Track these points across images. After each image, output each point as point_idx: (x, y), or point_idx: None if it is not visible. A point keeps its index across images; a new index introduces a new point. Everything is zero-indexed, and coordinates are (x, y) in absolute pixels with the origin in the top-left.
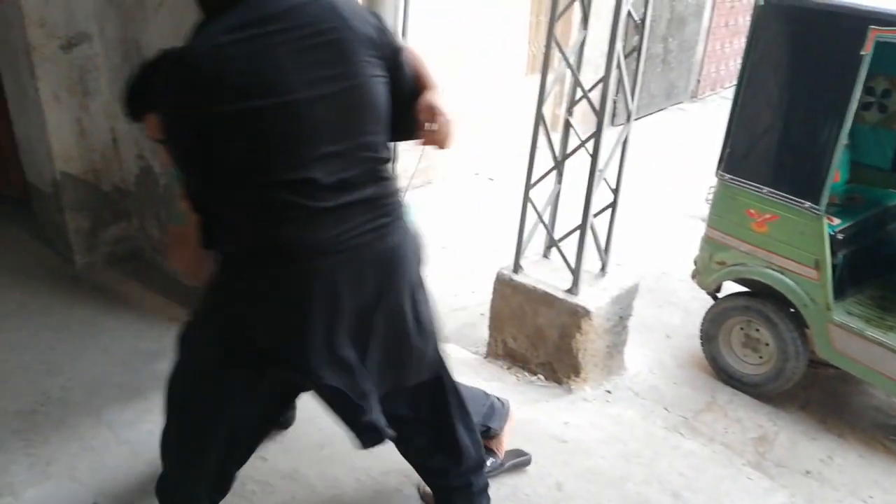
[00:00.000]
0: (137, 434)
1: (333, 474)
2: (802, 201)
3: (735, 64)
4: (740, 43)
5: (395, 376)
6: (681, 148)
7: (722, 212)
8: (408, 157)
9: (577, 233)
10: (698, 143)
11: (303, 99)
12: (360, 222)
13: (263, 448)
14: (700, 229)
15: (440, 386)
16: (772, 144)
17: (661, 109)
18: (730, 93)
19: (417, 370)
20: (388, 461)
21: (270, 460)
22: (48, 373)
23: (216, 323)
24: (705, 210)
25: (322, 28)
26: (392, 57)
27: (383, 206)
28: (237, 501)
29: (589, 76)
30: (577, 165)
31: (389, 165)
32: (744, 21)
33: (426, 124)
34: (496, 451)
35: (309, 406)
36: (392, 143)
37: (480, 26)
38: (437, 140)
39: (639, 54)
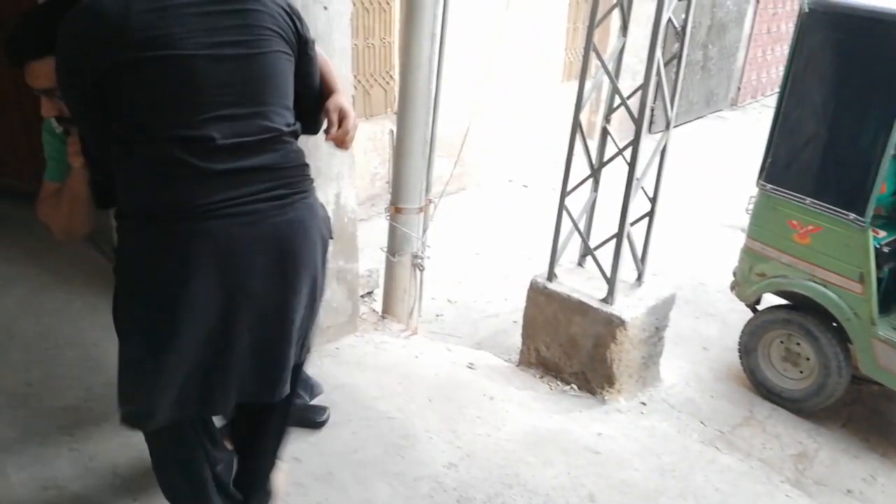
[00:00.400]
0: None
1: (366, 478)
2: (847, 213)
3: (777, 71)
4: (783, 50)
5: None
6: (720, 156)
7: (763, 222)
8: (442, 164)
9: (613, 241)
10: (738, 152)
11: (203, 56)
12: (254, 190)
13: (298, 449)
14: (739, 240)
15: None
16: (816, 154)
17: (700, 117)
18: (771, 101)
19: (273, 380)
20: (421, 466)
21: (305, 462)
22: (92, 370)
23: (123, 282)
24: (745, 220)
25: None
26: (301, 44)
27: (283, 178)
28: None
29: (626, 83)
30: (614, 173)
31: (293, 140)
32: (787, 28)
33: (332, 125)
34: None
35: (343, 409)
36: (296, 120)
37: (518, 33)
38: (339, 141)
39: (679, 61)
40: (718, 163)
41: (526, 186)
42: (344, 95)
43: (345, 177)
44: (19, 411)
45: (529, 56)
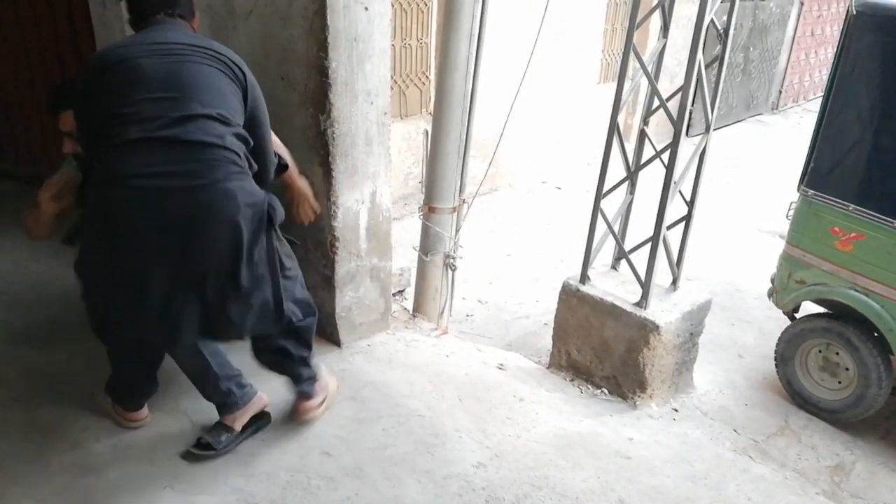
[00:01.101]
0: (212, 422)
1: (395, 474)
2: (891, 220)
3: (820, 75)
4: (827, 53)
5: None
6: (759, 161)
7: (803, 229)
8: (475, 164)
9: (648, 245)
10: (778, 157)
11: (140, 59)
12: (170, 161)
13: (329, 444)
14: (777, 246)
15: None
16: (860, 160)
17: (740, 120)
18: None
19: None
20: (451, 464)
21: (335, 457)
22: None
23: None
24: (784, 226)
25: (182, 45)
26: (245, 90)
27: (204, 160)
28: (302, 495)
29: (664, 85)
30: (650, 176)
31: (223, 133)
32: (831, 31)
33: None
34: (231, 425)
35: (374, 406)
36: (231, 119)
37: (555, 34)
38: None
39: (720, 64)
40: (757, 167)
41: (559, 188)
42: (298, 177)
43: (381, 175)
44: (63, 399)
45: (566, 57)
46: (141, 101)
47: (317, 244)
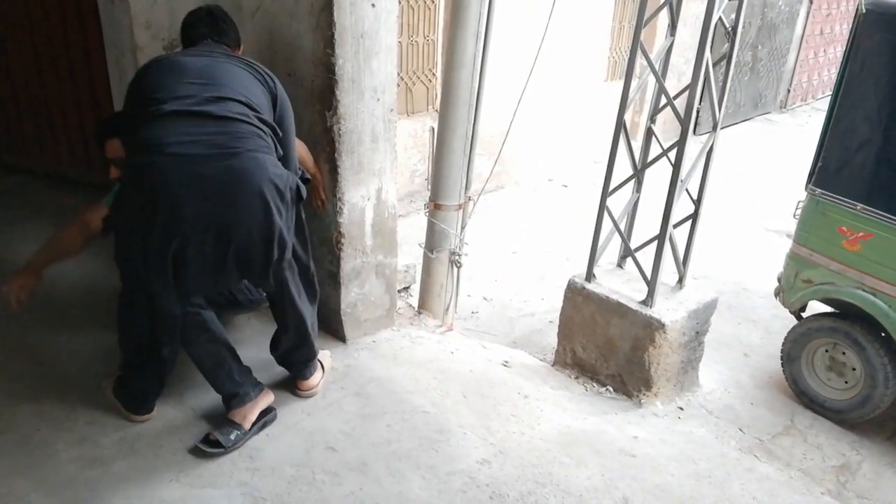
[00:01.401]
0: (217, 418)
1: (400, 470)
2: None
3: (829, 74)
4: (836, 52)
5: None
6: (766, 160)
7: (811, 228)
8: (481, 162)
9: (654, 243)
10: (785, 156)
11: (181, 58)
12: (203, 132)
13: (333, 439)
14: (783, 245)
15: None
16: (868, 159)
17: (747, 119)
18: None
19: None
20: (455, 461)
21: (340, 452)
22: None
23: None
24: (790, 225)
25: (221, 54)
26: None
27: (234, 133)
28: (307, 489)
29: (671, 83)
30: (655, 174)
31: (251, 115)
32: (841, 29)
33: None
34: (240, 422)
35: (378, 402)
36: (259, 108)
37: (562, 31)
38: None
39: (728, 62)
40: (765, 166)
41: (566, 186)
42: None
43: (387, 172)
44: (72, 391)
45: (573, 55)
46: (176, 84)
47: (322, 240)
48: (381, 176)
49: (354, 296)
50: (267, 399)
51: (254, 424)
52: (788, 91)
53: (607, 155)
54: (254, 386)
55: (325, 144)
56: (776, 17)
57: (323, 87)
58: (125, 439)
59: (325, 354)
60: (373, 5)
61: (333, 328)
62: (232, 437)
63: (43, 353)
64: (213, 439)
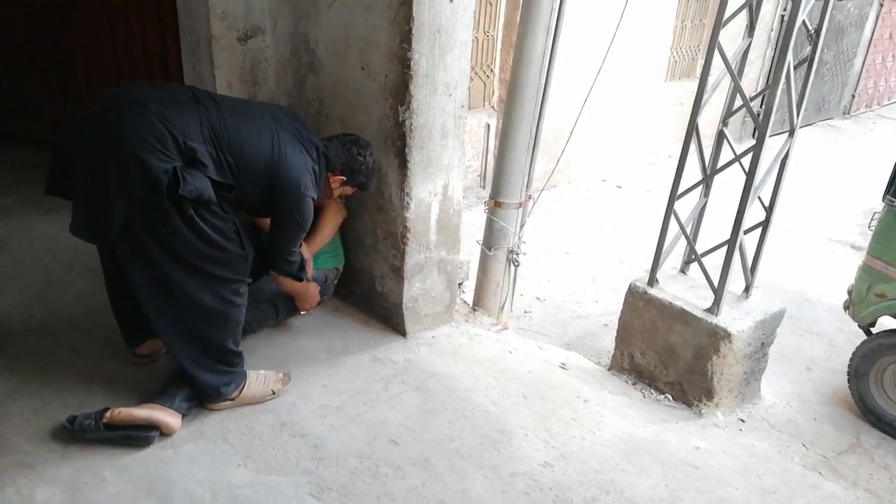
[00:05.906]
0: (281, 404)
1: (462, 468)
2: None
3: None
4: None
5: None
6: (828, 167)
7: (886, 240)
8: (538, 162)
9: (720, 250)
10: (848, 164)
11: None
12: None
13: (396, 433)
14: (847, 256)
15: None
16: None
17: (809, 124)
18: (888, 111)
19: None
20: (517, 462)
21: (402, 446)
22: None
23: None
24: (853, 235)
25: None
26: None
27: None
28: (371, 481)
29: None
30: (720, 178)
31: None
32: None
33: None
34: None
35: (440, 398)
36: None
37: (624, 30)
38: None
39: (809, 66)
40: (826, 174)
41: (620, 187)
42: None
43: (454, 168)
44: (142, 372)
45: (633, 53)
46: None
47: (387, 234)
48: (449, 172)
49: (416, 290)
50: (164, 420)
51: (119, 427)
52: (853, 96)
53: (664, 156)
54: (184, 400)
55: (396, 139)
56: (844, 19)
57: (396, 81)
58: (193, 423)
59: (267, 378)
60: (451, 1)
61: (394, 322)
62: (86, 422)
63: (114, 333)
64: (71, 417)
